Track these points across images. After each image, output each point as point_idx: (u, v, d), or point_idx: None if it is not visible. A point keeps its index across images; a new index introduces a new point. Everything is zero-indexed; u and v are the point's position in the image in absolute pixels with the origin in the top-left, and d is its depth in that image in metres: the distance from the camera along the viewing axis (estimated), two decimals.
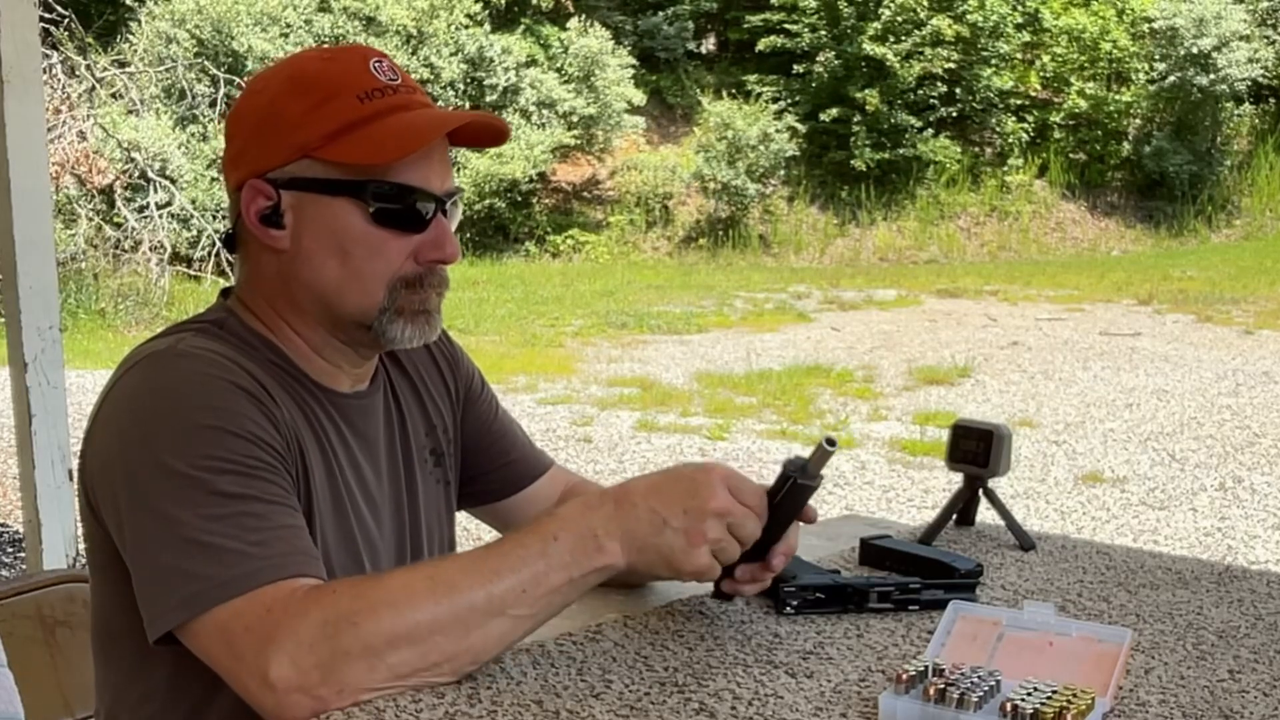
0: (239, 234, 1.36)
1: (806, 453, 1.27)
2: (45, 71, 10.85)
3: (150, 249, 12.74)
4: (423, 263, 1.33)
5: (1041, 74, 19.27)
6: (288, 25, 16.02)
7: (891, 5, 17.71)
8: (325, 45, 1.39)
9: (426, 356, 1.54)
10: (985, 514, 1.70)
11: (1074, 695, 1.08)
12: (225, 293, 1.42)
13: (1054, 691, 1.08)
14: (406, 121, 1.30)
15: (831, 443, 1.23)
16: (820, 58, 18.13)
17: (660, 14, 19.07)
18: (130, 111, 13.89)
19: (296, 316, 1.36)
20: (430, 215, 1.33)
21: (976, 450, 1.62)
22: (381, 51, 1.36)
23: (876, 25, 17.77)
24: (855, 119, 17.72)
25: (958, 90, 18.30)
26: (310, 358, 1.37)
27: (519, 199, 16.85)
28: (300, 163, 1.30)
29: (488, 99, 16.96)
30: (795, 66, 18.34)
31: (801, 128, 17.98)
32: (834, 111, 17.73)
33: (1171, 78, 18.21)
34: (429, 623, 1.12)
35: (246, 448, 1.22)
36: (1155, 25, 18.52)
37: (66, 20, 12.76)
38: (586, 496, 1.21)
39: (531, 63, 17.58)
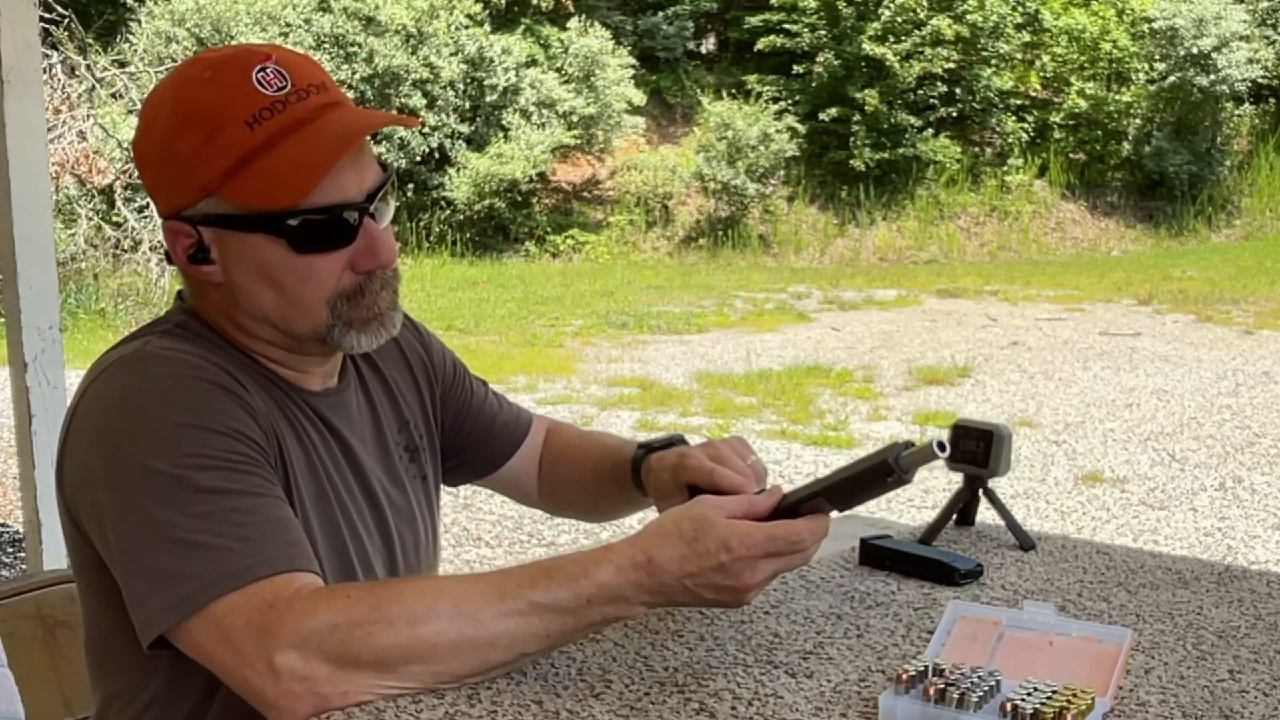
0: (175, 263, 1.33)
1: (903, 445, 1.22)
2: (45, 71, 10.84)
3: (150, 249, 12.72)
4: (360, 272, 1.30)
5: (1041, 74, 19.26)
6: (287, 25, 16.02)
7: (891, 5, 17.70)
8: (210, 51, 1.33)
9: (395, 352, 1.52)
10: (985, 514, 1.70)
11: (1074, 695, 1.08)
12: (182, 294, 1.40)
13: (1054, 691, 1.09)
14: (300, 150, 1.24)
15: (942, 447, 1.18)
16: (820, 58, 18.13)
17: (660, 14, 19.05)
18: (130, 111, 13.85)
19: (250, 337, 1.34)
20: (356, 224, 1.28)
21: (976, 450, 1.61)
22: (265, 51, 1.28)
23: (876, 25, 17.76)
24: (855, 119, 17.70)
25: (958, 90, 18.29)
26: (275, 364, 1.36)
27: (519, 199, 16.84)
28: (208, 200, 1.26)
29: (488, 99, 16.95)
30: (795, 66, 18.33)
31: (801, 128, 17.97)
32: (834, 111, 17.72)
33: (1171, 78, 18.20)
34: (448, 648, 1.12)
35: (227, 443, 1.21)
36: (1155, 25, 18.51)
37: (66, 20, 12.76)
38: (615, 555, 1.16)
39: (531, 63, 17.57)
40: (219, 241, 1.28)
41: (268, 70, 1.26)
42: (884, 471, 1.20)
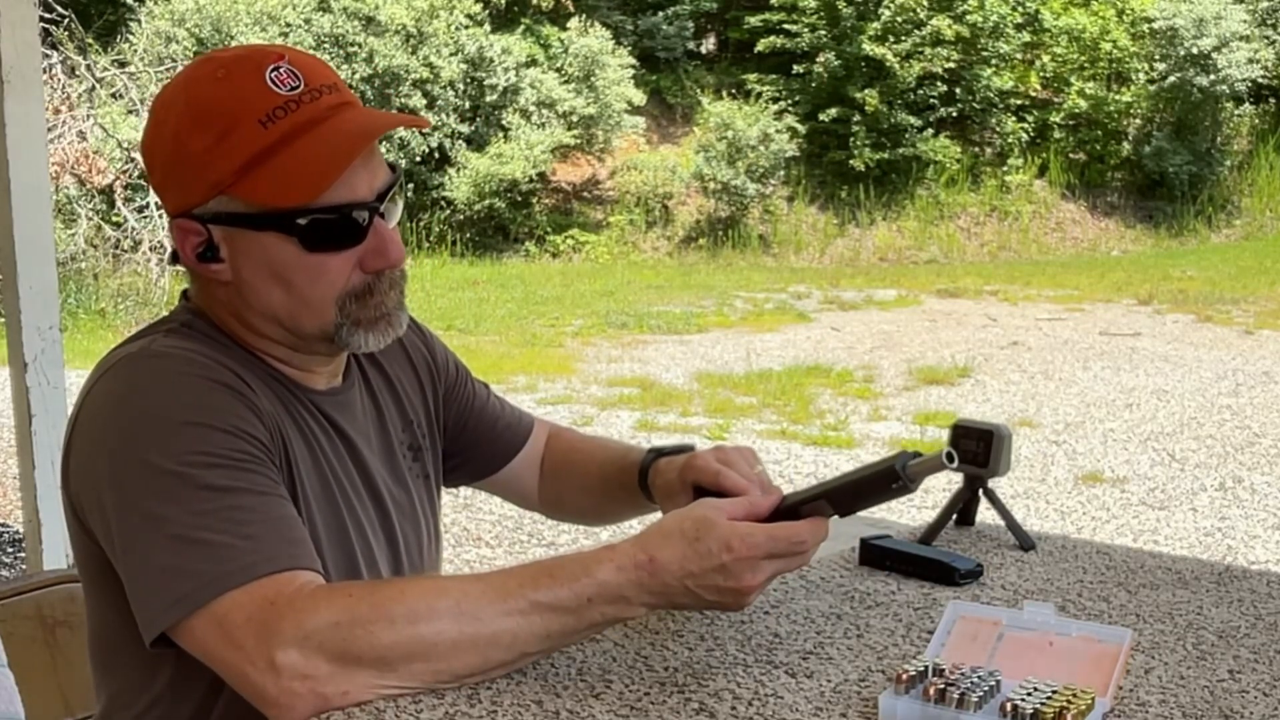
0: (184, 261, 1.33)
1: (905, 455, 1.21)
2: (45, 71, 10.84)
3: (150, 249, 12.73)
4: (369, 271, 1.30)
5: (1041, 74, 19.26)
6: (287, 24, 16.02)
7: (891, 5, 17.70)
8: (222, 51, 1.32)
9: (400, 351, 1.53)
10: (985, 514, 1.70)
11: (1074, 695, 1.08)
12: (187, 293, 1.40)
13: (1054, 691, 1.09)
14: (314, 149, 1.24)
15: (951, 458, 1.17)
16: (820, 58, 18.13)
17: (660, 14, 19.06)
18: (130, 111, 13.87)
19: (256, 336, 1.34)
20: (366, 223, 1.28)
21: (976, 450, 1.61)
22: (278, 51, 1.28)
23: (876, 25, 17.76)
24: (855, 119, 17.71)
25: (958, 90, 18.29)
26: (280, 363, 1.37)
27: (519, 199, 16.85)
28: (219, 199, 1.26)
29: (488, 99, 16.95)
30: (795, 66, 18.33)
31: (801, 128, 17.97)
32: (834, 111, 17.72)
33: (1171, 78, 18.20)
34: (449, 646, 1.12)
35: (232, 441, 1.21)
36: (1155, 25, 18.51)
37: (66, 20, 12.75)
38: (616, 555, 1.16)
39: (531, 63, 17.57)
40: (229, 240, 1.28)
41: (281, 70, 1.26)
42: (889, 478, 1.19)
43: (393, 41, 16.33)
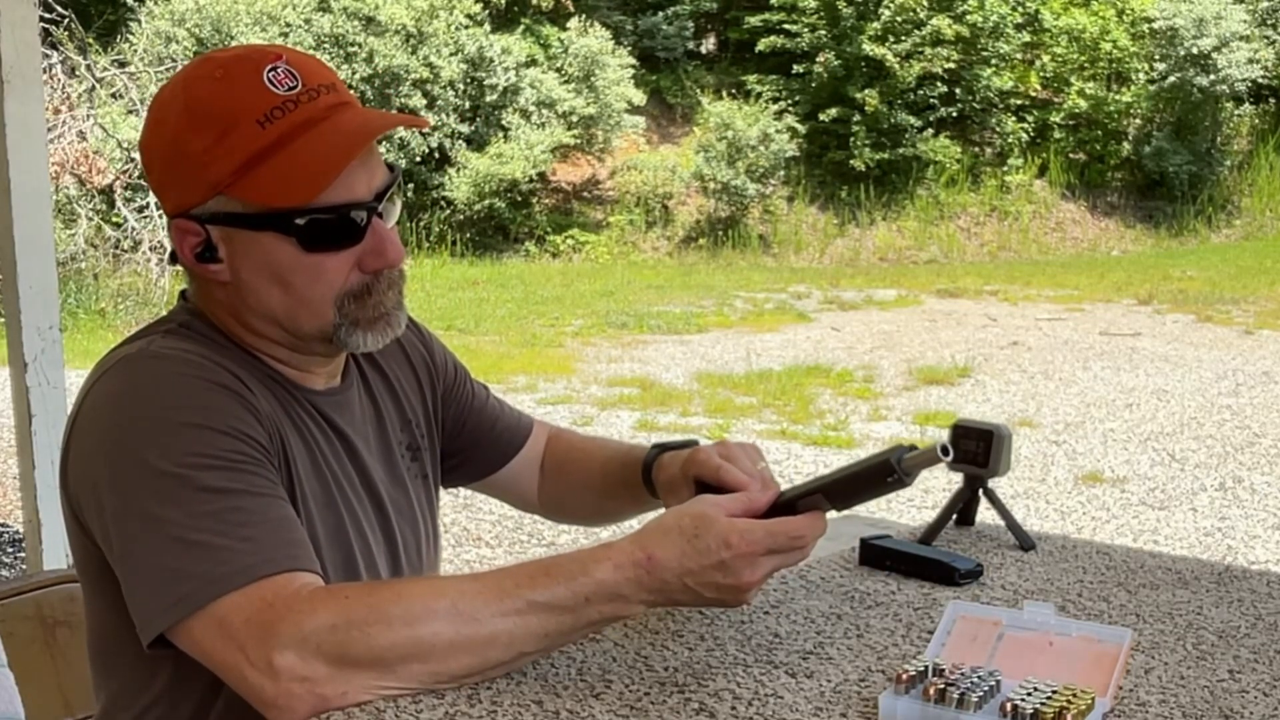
0: (182, 261, 1.33)
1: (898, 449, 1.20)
2: (45, 71, 10.83)
3: (150, 249, 12.73)
4: (368, 271, 1.30)
5: (1041, 74, 19.26)
6: (287, 25, 16.02)
7: (891, 5, 17.70)
8: (220, 51, 1.32)
9: (398, 351, 1.53)
10: (985, 514, 1.70)
11: (1074, 695, 1.08)
12: (186, 293, 1.40)
13: (1054, 691, 1.09)
14: (312, 149, 1.24)
15: (946, 451, 1.17)
16: (820, 58, 18.12)
17: (660, 14, 19.06)
18: (130, 111, 13.87)
19: (255, 336, 1.34)
20: (365, 223, 1.28)
21: (976, 450, 1.61)
22: (276, 51, 1.28)
23: (876, 25, 17.76)
24: (855, 119, 17.70)
25: (958, 90, 18.29)
26: (279, 363, 1.37)
27: (519, 199, 16.84)
28: (217, 199, 1.26)
29: (487, 99, 16.95)
30: (795, 66, 18.33)
31: (801, 128, 17.97)
32: (834, 111, 17.72)
33: (1171, 78, 18.20)
34: (446, 647, 1.12)
35: (230, 443, 1.21)
36: (1155, 25, 18.51)
37: (66, 20, 12.75)
38: (614, 553, 1.16)
39: (531, 63, 17.57)
40: (227, 240, 1.28)
41: (279, 70, 1.27)
42: (885, 472, 1.19)
43: (393, 41, 16.33)
